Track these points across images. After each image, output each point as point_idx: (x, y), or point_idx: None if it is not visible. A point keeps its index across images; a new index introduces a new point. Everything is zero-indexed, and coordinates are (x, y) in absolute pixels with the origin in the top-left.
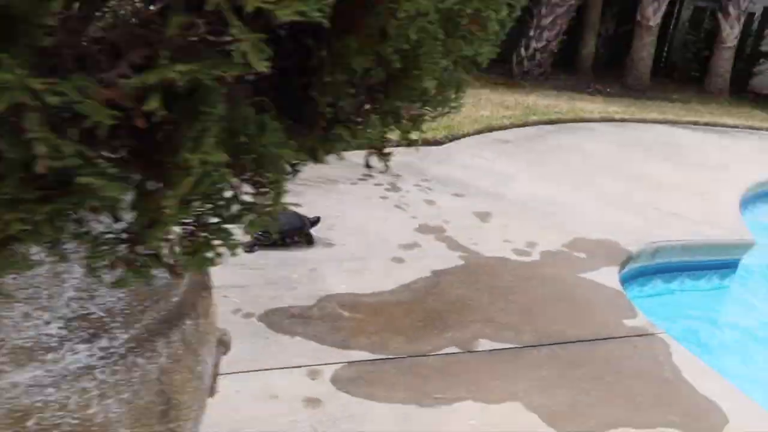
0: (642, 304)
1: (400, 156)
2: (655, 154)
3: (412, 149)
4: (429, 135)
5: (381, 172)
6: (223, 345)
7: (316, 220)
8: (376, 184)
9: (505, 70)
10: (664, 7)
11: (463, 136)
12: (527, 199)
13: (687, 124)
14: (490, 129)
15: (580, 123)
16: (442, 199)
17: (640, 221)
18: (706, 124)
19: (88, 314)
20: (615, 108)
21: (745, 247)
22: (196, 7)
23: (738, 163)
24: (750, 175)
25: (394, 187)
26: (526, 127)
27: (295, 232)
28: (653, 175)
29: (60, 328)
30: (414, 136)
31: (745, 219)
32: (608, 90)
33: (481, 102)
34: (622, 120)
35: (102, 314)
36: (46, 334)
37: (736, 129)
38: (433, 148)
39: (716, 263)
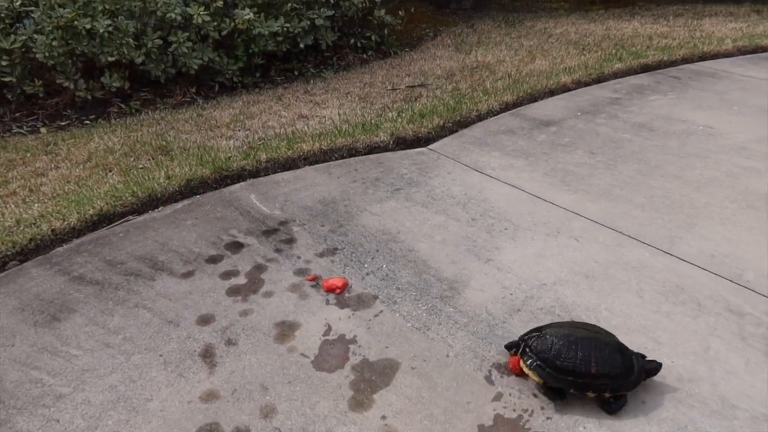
0: None
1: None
2: None
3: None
4: (405, 125)
5: (260, 233)
6: None
7: (655, 368)
8: (225, 274)
9: None
10: None
11: (477, 118)
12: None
13: None
14: (533, 97)
15: (699, 64)
16: (316, 319)
17: None
18: None
19: None
20: (766, 26)
21: None
22: None
23: None
24: None
25: (253, 278)
26: (598, 85)
27: (613, 384)
28: None
29: None
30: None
31: None
32: None
33: (550, 41)
34: None
35: None
36: None
37: None
38: (410, 152)
39: None
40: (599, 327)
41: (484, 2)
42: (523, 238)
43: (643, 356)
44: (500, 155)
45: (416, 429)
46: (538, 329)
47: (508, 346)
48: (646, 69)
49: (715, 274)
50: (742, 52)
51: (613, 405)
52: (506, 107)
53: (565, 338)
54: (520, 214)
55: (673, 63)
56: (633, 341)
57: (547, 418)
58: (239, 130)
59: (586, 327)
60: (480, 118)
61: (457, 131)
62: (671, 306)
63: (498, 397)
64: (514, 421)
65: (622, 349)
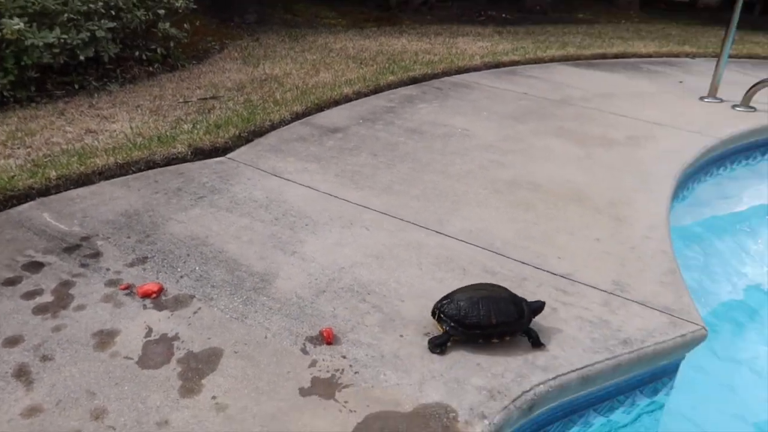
0: None
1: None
2: (547, 128)
3: None
4: (201, 136)
5: (59, 252)
6: None
7: (539, 306)
8: (27, 294)
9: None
10: None
11: (271, 127)
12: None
13: (592, 59)
14: (320, 107)
15: (456, 77)
16: (135, 323)
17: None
18: (616, 56)
19: None
20: (505, 45)
21: (691, 343)
22: None
23: (663, 127)
24: (684, 145)
25: (61, 295)
26: (376, 96)
27: (510, 328)
28: (537, 179)
29: None
30: None
31: (682, 255)
32: (505, 16)
33: (331, 55)
34: (513, 63)
35: None
36: None
37: (651, 60)
38: (209, 161)
39: (637, 381)
40: (494, 284)
41: (267, 17)
42: (322, 231)
43: (527, 300)
44: (295, 160)
45: (245, 401)
46: (448, 296)
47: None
48: (414, 81)
49: (474, 245)
50: (488, 66)
51: (534, 343)
52: (297, 117)
53: (470, 300)
54: (318, 211)
55: (435, 76)
56: (417, 304)
57: (355, 373)
58: (18, 148)
59: (485, 287)
60: (273, 127)
61: (252, 140)
62: (443, 273)
63: (313, 363)
64: (328, 380)
65: (514, 299)
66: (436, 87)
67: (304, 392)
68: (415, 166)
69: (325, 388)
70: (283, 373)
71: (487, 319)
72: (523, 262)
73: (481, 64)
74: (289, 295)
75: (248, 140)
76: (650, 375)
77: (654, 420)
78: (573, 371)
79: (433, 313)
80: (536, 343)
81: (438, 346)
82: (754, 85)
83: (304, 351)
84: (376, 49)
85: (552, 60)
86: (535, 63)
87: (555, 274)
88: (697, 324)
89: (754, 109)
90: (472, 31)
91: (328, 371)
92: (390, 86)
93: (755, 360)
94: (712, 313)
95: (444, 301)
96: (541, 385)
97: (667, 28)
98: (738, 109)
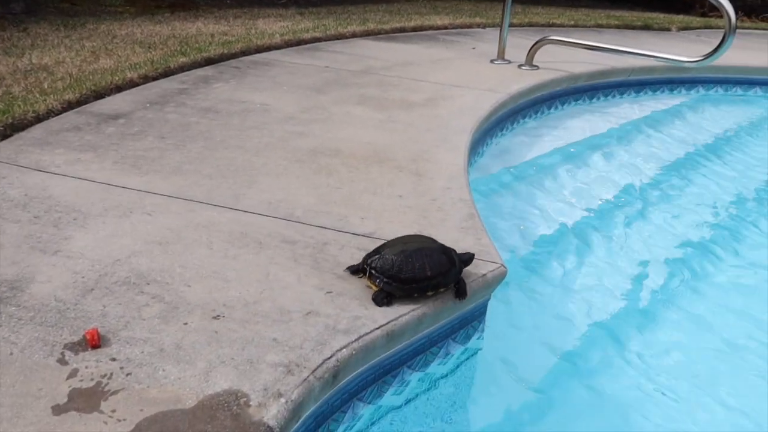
0: None
1: None
2: (348, 96)
3: None
4: None
5: None
6: None
7: (469, 258)
8: None
9: None
10: None
11: (36, 119)
12: None
13: (392, 33)
14: (99, 94)
15: (256, 55)
16: None
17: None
18: (414, 29)
19: None
20: (306, 24)
21: (493, 282)
22: None
23: (459, 88)
24: (478, 102)
25: None
26: (166, 79)
27: (445, 279)
28: (339, 146)
29: None
30: None
31: (481, 201)
32: None
33: (115, 42)
34: (314, 40)
35: None
36: None
37: (447, 31)
38: None
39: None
40: (422, 236)
41: (38, 7)
42: (94, 224)
43: (455, 251)
44: (65, 152)
45: None
46: (377, 251)
47: (354, 271)
48: (210, 62)
49: (273, 216)
50: (289, 44)
51: (459, 292)
52: (70, 105)
53: (402, 254)
54: (91, 203)
55: (233, 56)
56: (206, 286)
57: (127, 375)
58: None
59: (413, 239)
60: (39, 119)
61: (12, 135)
62: (237, 250)
63: (73, 373)
64: (91, 390)
65: (444, 250)
66: (234, 66)
67: (59, 410)
68: (208, 145)
69: (87, 399)
70: (32, 393)
71: (422, 272)
72: (325, 227)
73: (281, 42)
74: (47, 299)
75: (6, 135)
76: (460, 321)
77: (470, 366)
78: (377, 329)
79: (363, 270)
80: (461, 294)
81: (383, 299)
82: (532, 46)
83: (63, 361)
84: (167, 33)
85: (353, 35)
86: (337, 39)
87: (357, 235)
88: (496, 262)
89: (537, 68)
90: (273, 13)
91: (92, 379)
92: (183, 68)
93: (556, 293)
94: (514, 253)
95: (374, 256)
96: (344, 349)
97: (460, 4)
98: (523, 68)
